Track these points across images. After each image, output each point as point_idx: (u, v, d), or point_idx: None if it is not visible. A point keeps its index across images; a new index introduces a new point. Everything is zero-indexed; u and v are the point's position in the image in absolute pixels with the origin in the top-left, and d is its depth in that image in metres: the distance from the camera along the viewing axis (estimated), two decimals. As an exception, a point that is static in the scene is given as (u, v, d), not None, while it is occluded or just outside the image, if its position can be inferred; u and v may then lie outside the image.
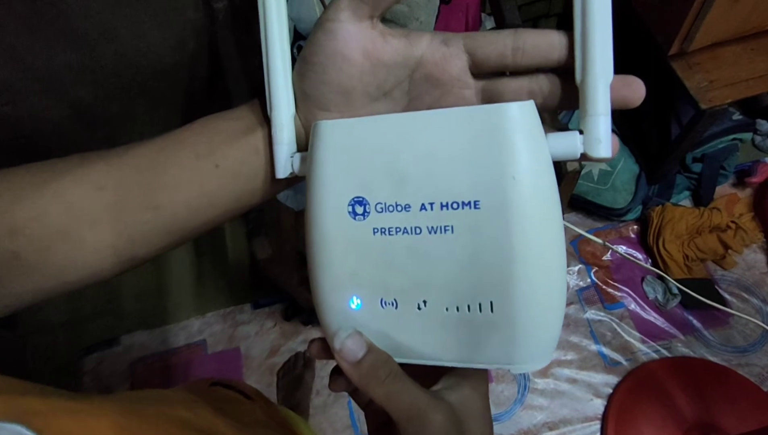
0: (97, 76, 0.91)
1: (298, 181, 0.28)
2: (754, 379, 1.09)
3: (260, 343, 1.25)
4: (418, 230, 0.22)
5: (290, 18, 0.78)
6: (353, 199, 0.23)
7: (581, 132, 0.22)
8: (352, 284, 0.24)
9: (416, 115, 0.22)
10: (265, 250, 0.89)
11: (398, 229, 0.23)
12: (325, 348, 0.26)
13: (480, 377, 0.26)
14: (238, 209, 0.28)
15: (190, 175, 0.26)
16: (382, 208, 0.23)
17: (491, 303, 0.22)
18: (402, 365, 0.24)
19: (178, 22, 0.90)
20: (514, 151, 0.21)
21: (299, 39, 0.81)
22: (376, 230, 0.23)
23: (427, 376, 0.26)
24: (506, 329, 0.22)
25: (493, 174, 0.21)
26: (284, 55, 0.27)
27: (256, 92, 0.29)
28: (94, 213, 0.26)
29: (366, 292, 0.24)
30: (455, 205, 0.21)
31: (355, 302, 0.24)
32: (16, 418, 0.21)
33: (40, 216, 0.25)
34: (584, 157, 0.22)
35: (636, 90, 0.22)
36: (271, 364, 1.22)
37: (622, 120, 1.23)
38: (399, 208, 0.22)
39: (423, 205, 0.22)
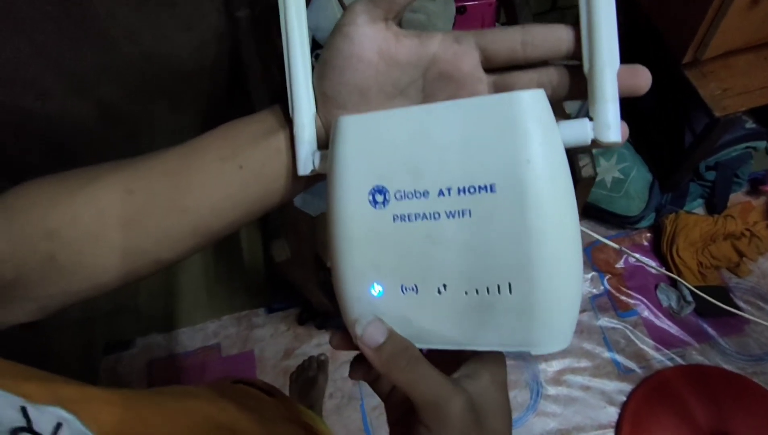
0: (121, 76, 0.93)
1: (319, 180, 0.29)
2: (770, 388, 1.09)
3: (274, 346, 1.26)
4: (436, 215, 0.23)
5: (308, 27, 0.80)
6: (373, 188, 0.24)
7: (591, 119, 0.23)
8: (373, 272, 0.24)
9: (432, 107, 0.23)
10: (284, 252, 0.90)
11: (417, 216, 0.23)
12: (346, 339, 0.27)
13: (499, 366, 0.26)
14: (260, 210, 0.29)
15: (215, 178, 0.27)
16: (401, 195, 0.23)
17: (510, 284, 0.22)
18: (422, 352, 0.25)
19: (201, 28, 0.92)
20: (528, 136, 0.21)
21: (317, 48, 0.83)
22: (395, 217, 0.23)
23: (446, 364, 0.26)
24: (525, 310, 0.22)
25: (508, 158, 0.21)
26: (305, 58, 0.28)
27: (275, 99, 0.30)
28: (123, 216, 0.27)
29: (387, 278, 0.24)
30: (472, 190, 0.22)
31: (376, 289, 0.25)
32: (56, 402, 0.22)
33: (74, 220, 0.26)
34: (594, 143, 0.23)
35: (642, 78, 0.23)
36: (285, 366, 1.23)
37: (636, 128, 1.23)
38: (418, 195, 0.23)
39: (441, 190, 0.23)
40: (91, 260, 0.27)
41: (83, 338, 1.30)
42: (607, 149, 0.27)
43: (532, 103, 0.22)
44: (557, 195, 0.22)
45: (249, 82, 0.87)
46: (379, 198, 0.24)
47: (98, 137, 1.02)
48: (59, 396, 0.23)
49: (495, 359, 0.26)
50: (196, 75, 1.01)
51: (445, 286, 0.23)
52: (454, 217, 0.22)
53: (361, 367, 0.28)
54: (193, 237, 0.28)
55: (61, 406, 0.22)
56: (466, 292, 0.23)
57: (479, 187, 0.22)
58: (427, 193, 0.23)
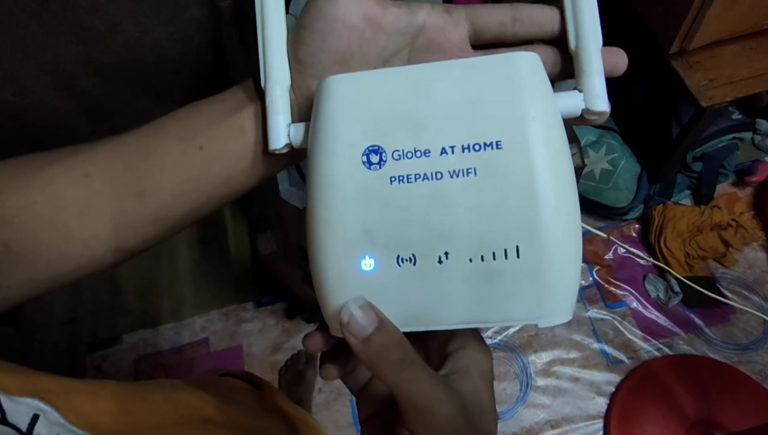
0: (102, 69, 0.91)
1: (293, 162, 0.28)
2: (756, 377, 1.10)
3: (262, 340, 1.25)
4: (439, 175, 0.21)
5: (292, 15, 0.79)
6: (368, 148, 0.22)
7: (580, 91, 0.24)
8: (365, 242, 0.22)
9: (429, 66, 0.23)
10: (269, 245, 0.89)
11: (418, 176, 0.22)
12: (323, 337, 0.25)
13: (487, 360, 0.25)
14: (226, 195, 0.28)
15: (174, 160, 0.26)
16: (399, 155, 0.22)
17: (517, 247, 0.21)
18: (411, 334, 0.23)
19: (183, 18, 0.91)
20: (533, 93, 0.21)
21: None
22: (393, 179, 0.22)
23: (430, 355, 0.25)
24: (533, 276, 0.21)
25: (513, 115, 0.21)
26: (280, 25, 0.26)
27: (257, 87, 0.28)
28: (80, 201, 0.26)
29: (381, 249, 0.22)
30: (477, 147, 0.21)
31: (367, 263, 0.22)
32: (33, 394, 0.22)
33: (28, 205, 0.25)
34: (583, 116, 0.24)
35: (621, 57, 0.25)
36: (274, 361, 1.23)
37: (624, 119, 1.23)
38: (418, 154, 0.22)
39: (443, 149, 0.21)
40: (49, 248, 0.25)
41: (69, 336, 1.28)
42: (593, 124, 0.27)
43: (530, 62, 0.22)
44: (562, 153, 0.22)
45: (231, 74, 0.86)
46: (374, 158, 0.22)
47: (80, 132, 1.00)
48: (37, 388, 0.22)
49: (483, 352, 0.25)
50: (180, 66, 1.00)
51: (447, 254, 0.21)
52: (458, 176, 0.21)
53: (335, 365, 0.26)
54: (153, 223, 0.27)
55: (39, 398, 0.22)
56: (470, 259, 0.21)
57: (485, 144, 0.21)
58: (429, 151, 0.22)
